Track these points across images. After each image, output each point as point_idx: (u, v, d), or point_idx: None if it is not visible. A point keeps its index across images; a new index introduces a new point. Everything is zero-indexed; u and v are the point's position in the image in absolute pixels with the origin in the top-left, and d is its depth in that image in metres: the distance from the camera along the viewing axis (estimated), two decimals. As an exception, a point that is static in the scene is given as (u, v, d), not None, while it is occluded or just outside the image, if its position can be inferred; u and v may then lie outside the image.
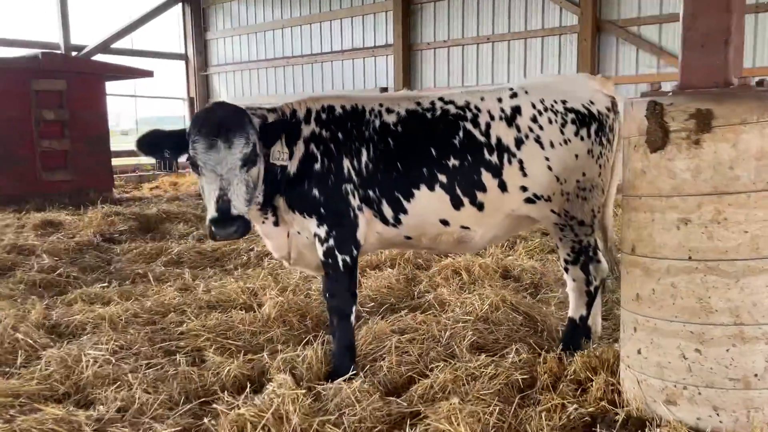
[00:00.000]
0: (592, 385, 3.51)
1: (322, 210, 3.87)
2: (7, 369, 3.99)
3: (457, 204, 3.88)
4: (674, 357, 3.01)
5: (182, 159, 3.80)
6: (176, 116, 20.52)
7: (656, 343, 3.07)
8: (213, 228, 3.49)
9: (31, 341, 4.26)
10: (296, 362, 4.01)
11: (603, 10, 11.36)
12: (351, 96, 4.13)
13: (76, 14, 16.98)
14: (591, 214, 4.03)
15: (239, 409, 3.31)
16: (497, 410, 3.37)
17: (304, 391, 3.49)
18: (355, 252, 3.96)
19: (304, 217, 3.93)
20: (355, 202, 3.89)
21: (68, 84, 12.72)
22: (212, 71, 18.97)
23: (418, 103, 4.02)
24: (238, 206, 3.52)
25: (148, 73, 14.28)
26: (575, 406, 3.33)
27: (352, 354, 4.02)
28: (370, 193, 3.90)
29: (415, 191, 3.87)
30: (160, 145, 3.73)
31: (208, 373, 3.92)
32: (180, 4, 18.95)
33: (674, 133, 2.91)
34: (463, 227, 3.96)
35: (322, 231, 3.90)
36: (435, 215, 3.92)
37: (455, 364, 3.88)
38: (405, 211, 3.91)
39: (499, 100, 3.97)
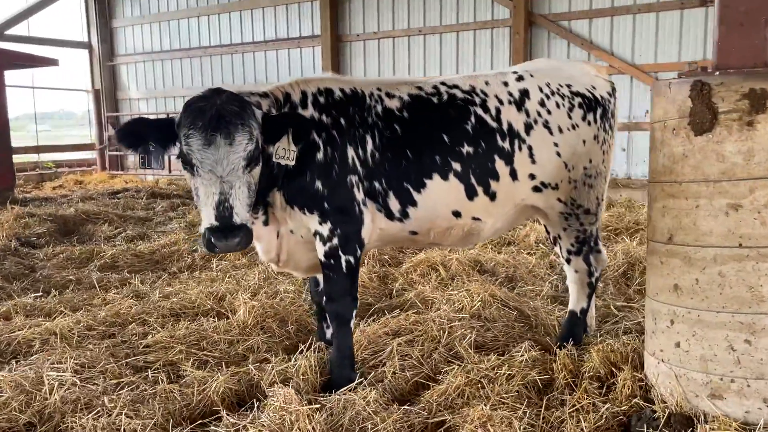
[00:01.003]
0: (615, 381, 3.36)
1: (326, 205, 3.48)
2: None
3: (471, 194, 3.62)
4: (721, 349, 2.89)
5: (173, 153, 3.29)
6: (80, 110, 19.04)
7: (700, 335, 2.94)
8: (213, 239, 3.03)
9: (-31, 365, 3.60)
10: (290, 373, 3.62)
11: (535, 4, 11.47)
12: (345, 78, 3.77)
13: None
14: (596, 201, 3.91)
15: (247, 430, 2.90)
16: (527, 414, 3.14)
17: (317, 406, 3.11)
18: (359, 252, 3.61)
19: (305, 213, 3.52)
20: (360, 195, 3.53)
21: (-38, 73, 11.45)
22: (119, 61, 17.69)
23: (420, 88, 3.72)
24: (241, 213, 3.08)
25: (53, 62, 13.06)
26: (607, 405, 3.16)
27: (352, 362, 3.68)
28: (376, 185, 3.56)
29: (427, 181, 3.57)
30: (145, 136, 3.18)
31: (191, 390, 3.45)
32: (83, -11, 17.60)
33: (724, 115, 2.77)
34: (474, 218, 3.71)
35: (325, 229, 3.52)
36: (447, 207, 3.64)
37: (465, 366, 3.62)
38: (414, 204, 3.60)
39: (505, 84, 3.75)
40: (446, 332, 4.12)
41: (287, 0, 14.47)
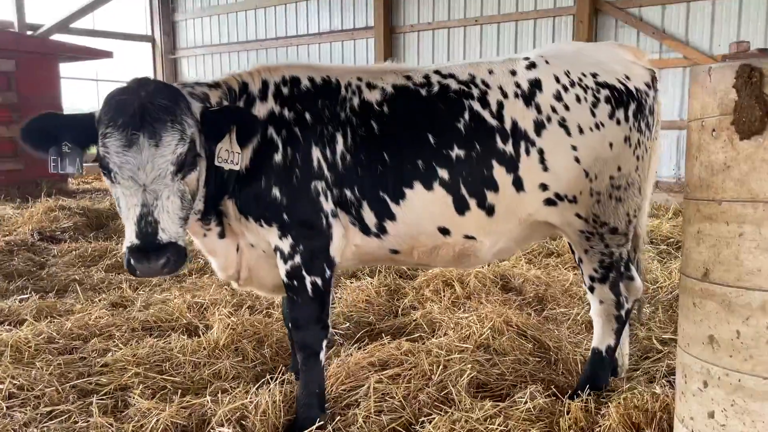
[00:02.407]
0: (637, 447, 2.65)
1: (285, 216, 2.91)
2: None
3: (461, 207, 2.97)
4: (769, 429, 2.13)
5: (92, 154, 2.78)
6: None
7: (740, 406, 2.19)
8: (133, 261, 2.50)
9: None
10: (247, 411, 3.08)
11: (601, -10, 10.50)
12: (320, 66, 3.17)
13: (34, -9, 15.71)
14: (626, 219, 3.16)
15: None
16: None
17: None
18: (327, 272, 3.03)
19: (262, 225, 2.96)
20: (328, 205, 2.95)
21: (18, 64, 11.60)
22: (181, 54, 17.77)
23: (409, 78, 3.09)
24: (169, 229, 2.55)
25: (107, 54, 13.13)
26: (620, 484, 2.46)
27: (321, 400, 3.11)
28: (347, 193, 2.96)
29: (407, 191, 2.94)
30: (58, 135, 2.64)
31: (129, 425, 2.98)
32: (145, -17, 17.79)
33: (780, 112, 2.02)
34: (467, 237, 3.05)
35: (286, 244, 2.95)
36: (432, 222, 3.00)
37: (452, 414, 2.98)
38: (392, 217, 2.98)
39: (513, 72, 3.06)
40: (441, 366, 3.48)
41: None
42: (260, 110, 2.95)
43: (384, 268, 5.33)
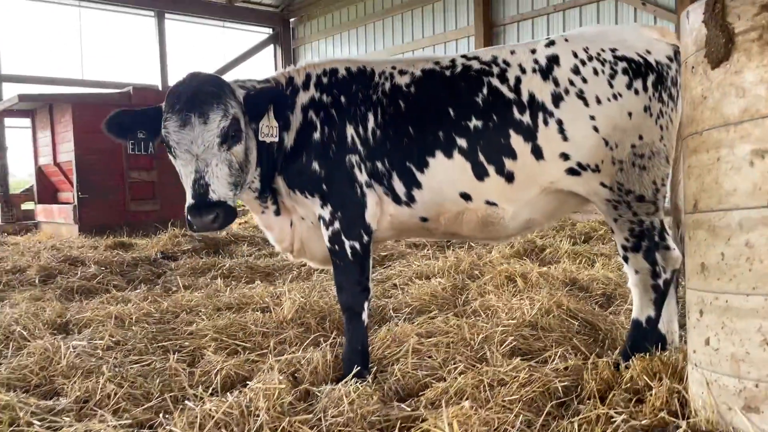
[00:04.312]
0: (651, 394, 2.69)
1: (324, 186, 3.33)
2: (-6, 359, 3.68)
3: (480, 173, 3.21)
4: (754, 345, 2.17)
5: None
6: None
7: (729, 327, 2.25)
8: (189, 217, 3.00)
9: (25, 333, 3.95)
10: (300, 365, 3.44)
11: None
12: (360, 59, 3.61)
13: (175, 57, 17.79)
14: (653, 186, 3.22)
15: (205, 404, 2.78)
16: (521, 420, 2.62)
17: (283, 386, 2.89)
18: (365, 238, 3.37)
19: (306, 196, 3.40)
20: (362, 177, 3.32)
21: (158, 118, 13.15)
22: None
23: (437, 63, 3.44)
24: (219, 191, 3.02)
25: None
26: (624, 417, 2.52)
27: (365, 357, 3.40)
28: (378, 165, 3.32)
29: (430, 159, 3.25)
30: (133, 124, 3.28)
31: (197, 371, 3.43)
32: (272, 45, 19.52)
33: (741, 36, 2.15)
34: (488, 203, 3.28)
35: (327, 212, 3.36)
36: (454, 188, 3.26)
37: (482, 368, 3.16)
38: (419, 185, 3.29)
39: (533, 51, 3.30)
40: (484, 337, 3.65)
41: None
42: (303, 98, 3.43)
43: (455, 272, 5.55)
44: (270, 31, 19.50)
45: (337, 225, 3.35)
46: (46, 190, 13.04)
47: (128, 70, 17.65)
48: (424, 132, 3.27)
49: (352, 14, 17.37)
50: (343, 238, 3.35)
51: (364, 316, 3.42)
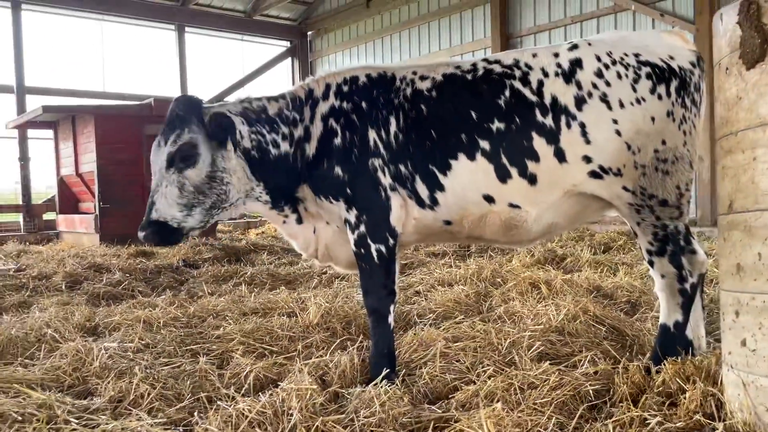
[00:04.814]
0: (684, 397, 2.68)
1: (348, 190, 3.38)
2: (28, 360, 3.74)
3: (503, 176, 3.23)
4: (793, 345, 2.16)
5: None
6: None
7: (767, 327, 2.24)
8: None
9: (57, 336, 4.01)
10: (328, 368, 3.46)
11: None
12: (381, 66, 3.65)
13: (194, 70, 18.02)
14: (676, 191, 3.21)
15: (239, 404, 2.80)
16: (553, 422, 2.62)
17: (314, 387, 2.92)
18: (391, 241, 3.40)
19: (331, 201, 3.45)
20: (385, 180, 3.35)
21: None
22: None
23: (458, 67, 3.47)
24: (162, 210, 3.33)
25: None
26: (658, 419, 2.52)
27: (392, 360, 3.41)
28: (402, 168, 3.35)
29: (452, 162, 3.27)
30: None
31: (227, 373, 3.47)
32: (290, 58, 19.72)
33: (776, 36, 2.17)
34: (511, 205, 3.29)
35: (352, 215, 3.40)
36: (477, 190, 3.28)
37: (511, 372, 3.16)
38: (441, 188, 3.31)
39: (556, 54, 3.32)
40: (511, 342, 3.66)
41: (456, 9, 14.78)
42: (323, 108, 3.49)
43: (475, 278, 5.56)
44: (288, 44, 19.70)
45: (362, 228, 3.38)
46: (67, 201, 13.21)
47: (148, 82, 17.91)
48: (447, 135, 3.29)
49: (369, 27, 17.52)
50: (369, 241, 3.38)
51: (390, 319, 3.43)
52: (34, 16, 15.41)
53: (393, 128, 3.36)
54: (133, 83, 17.49)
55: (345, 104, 3.45)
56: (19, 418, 2.78)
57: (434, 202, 3.34)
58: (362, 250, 3.40)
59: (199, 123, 3.35)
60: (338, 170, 3.38)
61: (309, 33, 19.56)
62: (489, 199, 3.28)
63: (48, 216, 14.15)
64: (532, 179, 3.21)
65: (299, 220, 3.67)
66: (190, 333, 4.29)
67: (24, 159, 14.41)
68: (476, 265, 6.09)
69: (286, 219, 3.68)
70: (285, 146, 3.55)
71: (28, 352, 3.85)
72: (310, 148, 3.49)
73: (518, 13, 13.54)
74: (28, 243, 12.11)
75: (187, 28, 17.53)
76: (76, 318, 4.57)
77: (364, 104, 3.42)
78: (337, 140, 3.40)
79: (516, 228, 3.36)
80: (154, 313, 4.59)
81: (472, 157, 3.24)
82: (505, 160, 3.21)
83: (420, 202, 3.37)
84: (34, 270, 7.12)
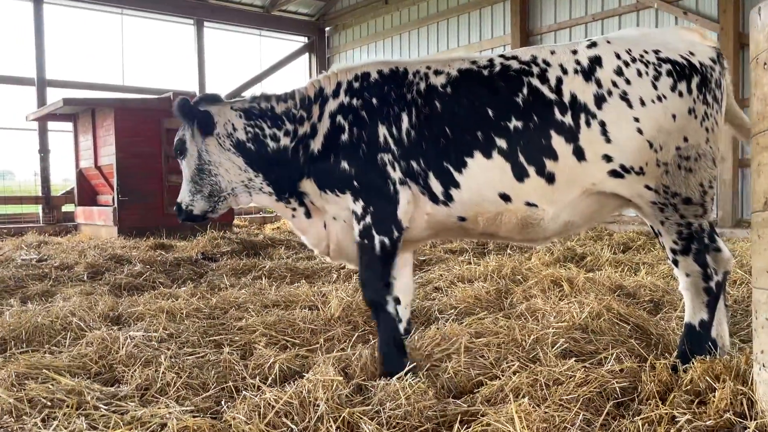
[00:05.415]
0: (713, 395, 2.65)
1: (356, 183, 3.38)
2: (54, 348, 3.78)
3: (520, 174, 3.19)
4: (830, 344, 2.14)
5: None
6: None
7: (802, 326, 2.22)
8: None
9: (82, 324, 4.05)
10: (350, 361, 3.47)
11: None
12: (393, 60, 3.64)
13: (213, 64, 18.10)
14: (700, 189, 3.16)
15: (265, 394, 2.82)
16: (580, 418, 2.61)
17: (340, 378, 2.93)
18: (395, 234, 3.39)
19: (336, 194, 3.45)
20: (395, 174, 3.34)
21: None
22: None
23: (474, 62, 3.43)
24: (180, 195, 3.83)
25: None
26: (687, 417, 2.50)
27: (400, 348, 3.41)
28: (414, 165, 3.33)
29: (468, 160, 3.25)
30: None
31: (250, 363, 3.48)
32: (307, 54, 19.75)
33: (818, 31, 2.14)
34: (528, 204, 3.26)
35: (359, 207, 3.40)
36: (493, 189, 3.25)
37: (535, 368, 3.15)
38: (457, 185, 3.29)
39: (574, 52, 3.28)
40: (535, 339, 3.65)
41: (476, 6, 14.71)
42: (331, 105, 3.49)
43: (495, 275, 5.54)
44: (305, 39, 19.72)
45: (368, 219, 3.38)
46: (86, 193, 13.33)
47: (167, 76, 18.01)
48: (462, 132, 3.26)
49: (387, 23, 17.50)
50: (373, 232, 3.38)
51: (390, 308, 3.44)
52: (55, 10, 15.55)
53: (405, 125, 3.34)
54: (152, 77, 17.61)
55: (355, 101, 3.44)
56: (49, 403, 2.82)
57: (449, 199, 3.32)
58: (365, 241, 3.40)
59: (187, 121, 3.66)
60: (345, 164, 3.39)
61: (327, 29, 19.57)
62: (505, 197, 3.25)
63: (66, 208, 14.29)
64: (550, 178, 3.18)
65: (308, 215, 3.69)
66: (212, 324, 4.32)
67: (44, 151, 14.55)
68: (496, 263, 6.08)
69: (294, 212, 3.72)
70: (285, 141, 3.63)
71: (54, 339, 3.90)
72: (315, 144, 3.51)
73: (538, 9, 13.46)
74: (47, 234, 12.23)
75: (206, 23, 17.60)
76: (99, 307, 4.61)
77: (374, 100, 3.40)
78: (345, 136, 3.40)
79: (532, 226, 3.33)
80: (177, 304, 4.62)
81: (488, 155, 3.22)
82: (522, 159, 3.18)
83: (433, 198, 3.35)
84: (55, 260, 7.19)
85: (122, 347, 3.48)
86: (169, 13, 17.04)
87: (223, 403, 2.85)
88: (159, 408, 2.73)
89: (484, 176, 3.23)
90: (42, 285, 5.85)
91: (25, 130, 15.04)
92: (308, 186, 3.57)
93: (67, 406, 2.75)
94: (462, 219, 3.39)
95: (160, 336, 3.88)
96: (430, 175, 3.31)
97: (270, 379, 3.28)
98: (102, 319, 4.37)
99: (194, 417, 2.63)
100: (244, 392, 2.96)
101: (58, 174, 16.41)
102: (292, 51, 19.46)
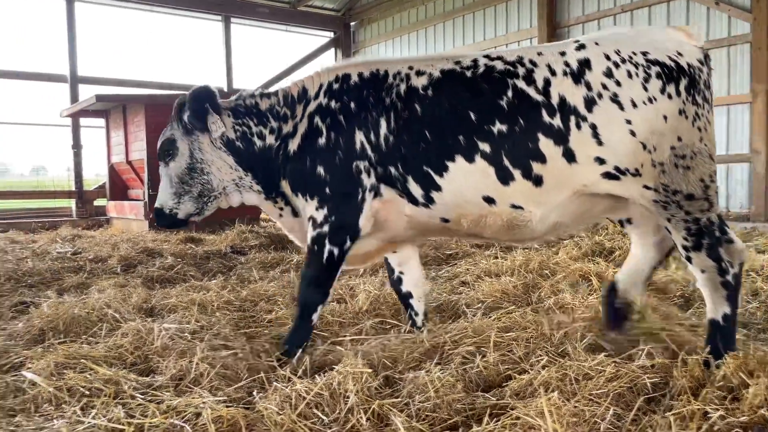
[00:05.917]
0: (747, 391, 2.63)
1: (327, 190, 3.40)
2: (91, 338, 3.88)
3: (505, 178, 3.19)
4: None
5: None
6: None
7: (839, 322, 2.19)
8: None
9: (117, 316, 4.15)
10: (378, 353, 3.50)
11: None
12: (375, 60, 3.65)
13: (240, 60, 18.29)
14: (701, 184, 3.14)
15: (296, 385, 2.87)
16: (611, 413, 2.61)
17: (369, 371, 2.96)
18: (347, 243, 3.44)
19: (306, 199, 3.47)
20: (368, 181, 3.36)
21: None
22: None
23: (458, 62, 3.40)
24: (159, 199, 3.77)
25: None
26: (720, 413, 2.49)
27: (300, 350, 3.51)
28: (392, 170, 3.35)
29: (450, 164, 3.24)
30: None
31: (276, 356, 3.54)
32: (333, 49, 19.81)
33: None
34: (514, 206, 3.25)
35: (320, 215, 3.43)
36: (476, 192, 3.24)
37: (564, 362, 3.15)
38: (438, 188, 3.29)
39: (562, 53, 3.25)
40: (564, 333, 3.64)
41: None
42: (311, 106, 3.52)
43: (523, 270, 5.53)
44: (331, 34, 19.77)
45: (326, 228, 3.42)
46: (117, 187, 13.56)
47: (195, 72, 18.24)
48: (443, 136, 3.25)
49: (412, 17, 17.46)
50: (325, 242, 3.42)
51: (315, 317, 3.53)
52: (86, 7, 15.81)
53: (383, 130, 3.35)
54: (181, 73, 17.85)
55: (333, 103, 3.46)
56: (87, 392, 2.90)
57: (429, 201, 3.33)
58: (316, 248, 3.45)
59: (178, 120, 3.66)
60: (320, 170, 3.41)
61: (352, 24, 19.60)
62: (489, 200, 3.25)
63: (98, 202, 14.56)
64: (538, 180, 3.17)
65: (295, 213, 3.72)
66: (243, 317, 4.40)
67: (77, 146, 14.84)
68: (523, 257, 6.06)
69: (282, 211, 3.77)
70: (271, 139, 3.65)
71: (91, 330, 4.00)
72: (293, 145, 3.53)
73: (566, 1, 13.31)
74: (80, 228, 12.48)
75: (233, 19, 17.74)
76: (133, 299, 4.72)
77: (352, 105, 3.42)
78: (321, 140, 3.43)
79: (519, 228, 3.33)
80: (208, 297, 4.71)
81: (470, 159, 3.21)
82: (507, 162, 3.17)
83: (413, 201, 3.36)
84: (89, 253, 7.35)
85: (157, 338, 3.56)
86: (197, 10, 17.22)
87: (255, 393, 2.90)
88: (193, 398, 2.79)
89: (466, 180, 3.23)
90: (77, 277, 6.00)
91: (58, 126, 15.35)
92: (285, 186, 3.62)
93: (105, 395, 2.82)
94: (445, 220, 3.40)
95: (193, 327, 3.95)
96: (409, 179, 3.33)
97: (300, 371, 3.33)
98: (136, 310, 4.47)
99: (227, 407, 2.69)
100: (275, 383, 3.01)
101: (90, 169, 16.74)
102: (318, 46, 19.52)
